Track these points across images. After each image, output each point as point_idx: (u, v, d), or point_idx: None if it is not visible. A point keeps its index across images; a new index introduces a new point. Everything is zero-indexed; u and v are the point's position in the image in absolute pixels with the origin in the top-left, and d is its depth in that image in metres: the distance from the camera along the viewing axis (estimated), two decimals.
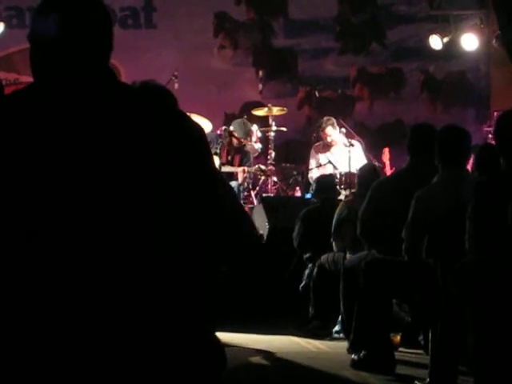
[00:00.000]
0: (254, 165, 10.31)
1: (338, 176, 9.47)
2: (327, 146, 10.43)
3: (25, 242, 2.04)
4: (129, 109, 2.16)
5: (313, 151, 10.59)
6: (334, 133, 10.30)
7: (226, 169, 10.07)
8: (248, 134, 10.31)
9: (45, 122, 2.10)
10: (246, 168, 10.11)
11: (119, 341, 2.04)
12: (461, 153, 5.37)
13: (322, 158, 10.40)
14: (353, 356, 5.70)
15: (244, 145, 10.32)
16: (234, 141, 10.26)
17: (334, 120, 10.36)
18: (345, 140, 10.14)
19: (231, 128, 10.28)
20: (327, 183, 8.45)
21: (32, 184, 2.06)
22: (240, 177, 10.11)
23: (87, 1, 2.21)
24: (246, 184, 10.16)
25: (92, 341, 2.02)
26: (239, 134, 10.26)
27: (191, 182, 2.16)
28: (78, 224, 2.04)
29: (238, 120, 10.57)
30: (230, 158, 10.32)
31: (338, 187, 9.11)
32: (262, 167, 10.24)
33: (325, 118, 10.42)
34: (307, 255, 7.85)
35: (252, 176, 10.28)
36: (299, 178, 10.79)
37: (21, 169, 2.07)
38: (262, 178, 10.43)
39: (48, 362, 2.02)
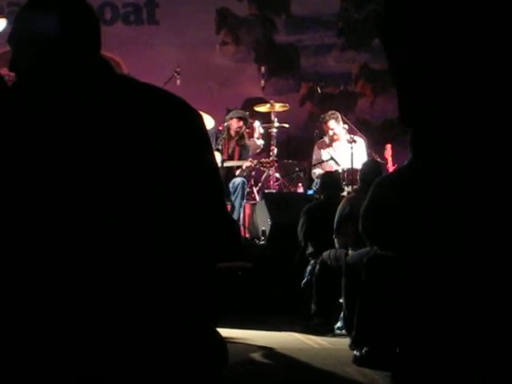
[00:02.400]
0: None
1: (341, 172, 9.46)
2: (330, 142, 10.40)
3: (24, 241, 2.04)
4: (128, 100, 2.17)
5: (316, 147, 10.57)
6: (336, 127, 10.26)
7: (229, 163, 10.04)
8: (244, 117, 10.29)
9: (45, 118, 2.10)
10: (247, 163, 10.06)
11: (120, 338, 2.04)
12: None
13: (325, 154, 10.38)
14: (355, 352, 5.69)
15: (242, 135, 10.24)
16: (232, 132, 10.20)
17: (338, 114, 10.33)
18: (347, 136, 10.12)
19: (228, 117, 10.26)
20: (332, 180, 8.44)
21: (30, 181, 2.05)
22: (239, 170, 10.07)
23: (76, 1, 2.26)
24: (245, 174, 10.13)
25: (92, 338, 2.02)
26: (235, 115, 10.23)
27: (192, 173, 2.16)
28: (77, 221, 2.04)
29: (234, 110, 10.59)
30: (230, 151, 10.27)
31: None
32: (263, 159, 10.22)
33: (329, 112, 10.40)
34: (309, 251, 7.85)
35: (253, 169, 10.25)
36: (301, 175, 10.79)
37: (19, 165, 2.07)
38: (265, 172, 10.43)
39: (47, 361, 2.02)
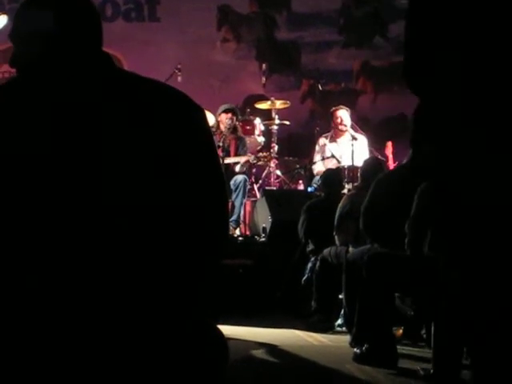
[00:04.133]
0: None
1: (342, 170, 9.45)
2: (335, 134, 10.36)
3: (23, 240, 2.03)
4: (130, 95, 2.16)
5: (319, 140, 10.51)
6: (345, 116, 10.23)
7: (228, 160, 9.98)
8: (231, 108, 10.25)
9: (44, 114, 2.10)
10: (247, 157, 10.02)
11: (120, 337, 2.03)
12: None
13: (327, 149, 10.34)
14: (355, 349, 5.69)
15: (235, 127, 10.18)
16: (222, 127, 10.14)
17: (347, 108, 10.36)
18: (352, 132, 10.11)
19: (217, 113, 10.22)
20: (334, 177, 8.43)
21: (30, 179, 2.05)
22: (239, 166, 10.02)
23: None
24: (245, 169, 10.09)
25: (92, 337, 2.02)
26: (222, 109, 10.19)
27: (194, 169, 2.16)
28: (77, 219, 2.03)
29: None
30: (226, 146, 10.19)
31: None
32: (261, 154, 10.18)
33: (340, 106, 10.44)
34: (310, 248, 7.85)
35: (251, 163, 10.20)
36: (302, 172, 10.78)
37: (19, 162, 2.06)
38: (265, 168, 10.42)
39: (47, 361, 2.01)
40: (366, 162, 7.84)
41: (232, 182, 9.70)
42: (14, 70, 2.26)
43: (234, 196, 9.62)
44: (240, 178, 9.79)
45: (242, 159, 9.96)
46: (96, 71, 2.19)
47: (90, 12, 2.25)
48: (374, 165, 7.59)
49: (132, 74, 2.26)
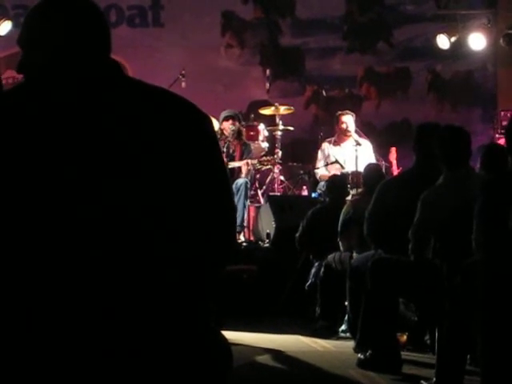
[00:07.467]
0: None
1: (346, 175, 9.44)
2: (339, 140, 10.35)
3: (23, 241, 2.03)
4: (136, 102, 2.17)
5: (323, 145, 10.49)
6: (350, 122, 10.21)
7: (231, 164, 9.98)
8: (233, 114, 10.27)
9: (51, 119, 2.11)
10: (249, 161, 10.03)
11: (120, 341, 2.03)
12: (461, 152, 5.35)
13: (331, 154, 10.33)
14: (359, 355, 5.70)
15: (240, 132, 10.19)
16: (226, 133, 10.15)
17: (353, 114, 10.35)
18: (356, 138, 10.10)
19: (222, 116, 10.24)
20: (338, 183, 8.44)
21: (30, 182, 2.05)
22: (244, 170, 10.03)
23: (83, 2, 2.25)
24: (249, 177, 10.09)
25: (92, 341, 2.02)
26: (223, 115, 10.20)
27: (200, 175, 2.16)
28: (78, 221, 2.03)
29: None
30: (231, 151, 10.20)
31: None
32: (265, 158, 10.17)
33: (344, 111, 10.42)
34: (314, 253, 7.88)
35: (255, 168, 10.20)
36: (306, 177, 10.78)
37: (22, 166, 2.07)
38: (269, 174, 10.42)
39: (47, 361, 2.01)
40: (367, 167, 7.84)
41: (233, 186, 9.70)
42: (18, 76, 2.27)
43: (236, 199, 9.62)
44: (241, 181, 9.80)
45: (241, 163, 9.97)
46: (104, 78, 2.19)
47: (99, 19, 2.25)
48: (376, 170, 7.61)
49: (139, 82, 2.27)
